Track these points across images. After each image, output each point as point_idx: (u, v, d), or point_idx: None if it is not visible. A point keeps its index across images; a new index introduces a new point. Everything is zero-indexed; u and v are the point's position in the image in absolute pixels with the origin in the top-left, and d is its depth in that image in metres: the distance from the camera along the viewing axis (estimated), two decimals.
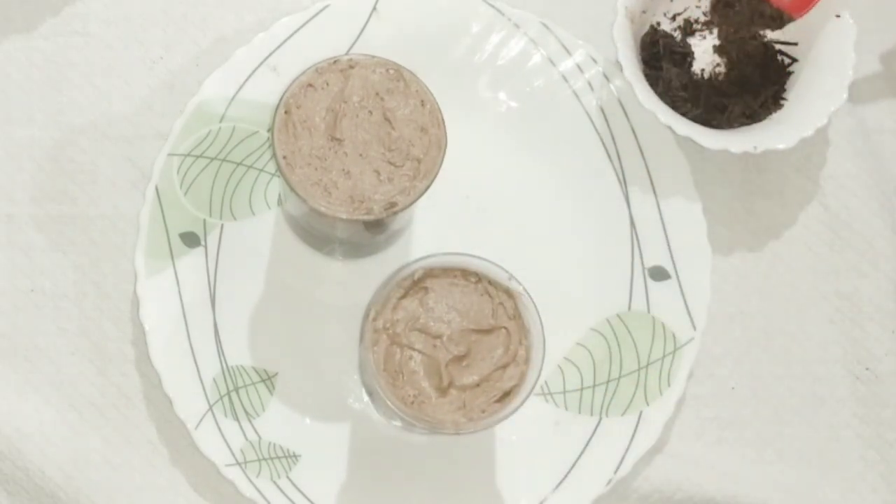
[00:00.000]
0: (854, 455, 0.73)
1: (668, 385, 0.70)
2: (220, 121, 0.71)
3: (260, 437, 0.68)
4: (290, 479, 0.68)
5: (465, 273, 0.65)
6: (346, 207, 0.62)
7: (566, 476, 0.69)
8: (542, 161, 0.75)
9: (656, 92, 0.73)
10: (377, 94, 0.64)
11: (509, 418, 0.63)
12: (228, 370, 0.69)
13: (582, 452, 0.69)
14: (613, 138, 0.74)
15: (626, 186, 0.74)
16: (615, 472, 0.69)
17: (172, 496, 0.69)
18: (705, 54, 0.76)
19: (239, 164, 0.72)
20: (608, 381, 0.71)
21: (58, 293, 0.71)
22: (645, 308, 0.72)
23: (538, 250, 0.73)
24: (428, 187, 0.63)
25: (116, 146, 0.73)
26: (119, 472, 0.69)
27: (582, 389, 0.71)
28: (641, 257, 0.73)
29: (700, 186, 0.73)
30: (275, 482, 0.67)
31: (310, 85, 0.64)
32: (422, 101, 0.64)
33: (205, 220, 0.71)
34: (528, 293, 0.64)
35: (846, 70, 0.72)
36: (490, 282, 0.65)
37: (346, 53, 0.65)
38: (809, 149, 0.76)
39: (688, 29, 0.77)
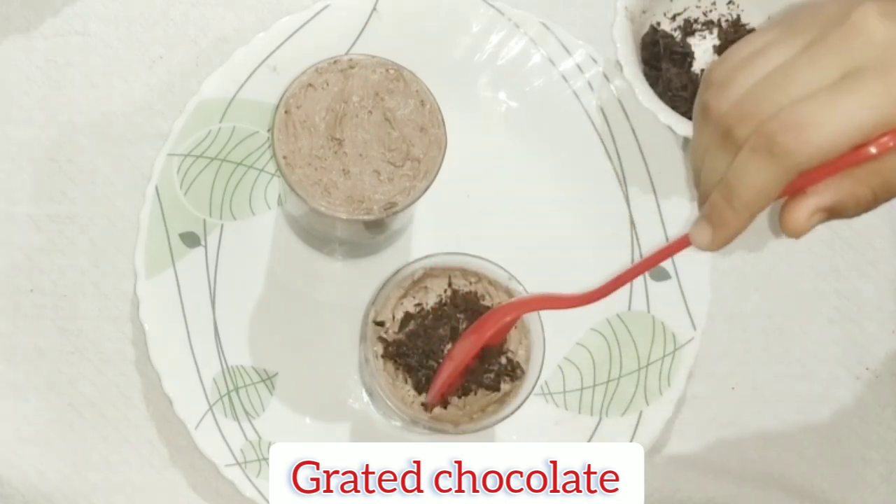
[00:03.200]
0: (854, 455, 0.73)
1: (668, 385, 0.70)
2: (220, 121, 0.71)
3: (260, 437, 0.68)
4: None
5: (465, 273, 0.65)
6: (346, 207, 0.62)
7: None
8: (542, 161, 0.75)
9: (656, 92, 0.73)
10: (377, 94, 0.64)
11: (509, 418, 0.63)
12: (228, 370, 0.69)
13: None
14: (613, 138, 0.74)
15: (626, 186, 0.74)
16: None
17: (172, 496, 0.69)
18: (705, 54, 0.76)
19: (239, 164, 0.72)
20: (608, 381, 0.71)
21: (57, 293, 0.71)
22: (645, 308, 0.72)
23: (538, 250, 0.73)
24: (428, 187, 0.63)
25: (116, 146, 0.73)
26: (118, 472, 0.69)
27: (582, 389, 0.71)
28: (641, 257, 0.73)
29: None
30: None
31: (310, 85, 0.64)
32: (422, 101, 0.64)
33: (205, 220, 0.71)
34: (528, 293, 0.64)
35: None
36: (490, 282, 0.65)
37: (346, 53, 0.65)
38: None
39: (688, 29, 0.77)
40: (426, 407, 0.62)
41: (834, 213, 0.49)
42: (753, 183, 0.47)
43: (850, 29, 0.47)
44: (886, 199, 0.49)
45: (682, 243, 0.53)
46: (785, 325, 0.75)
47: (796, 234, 0.49)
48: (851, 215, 0.49)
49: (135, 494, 0.69)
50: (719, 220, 0.50)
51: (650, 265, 0.56)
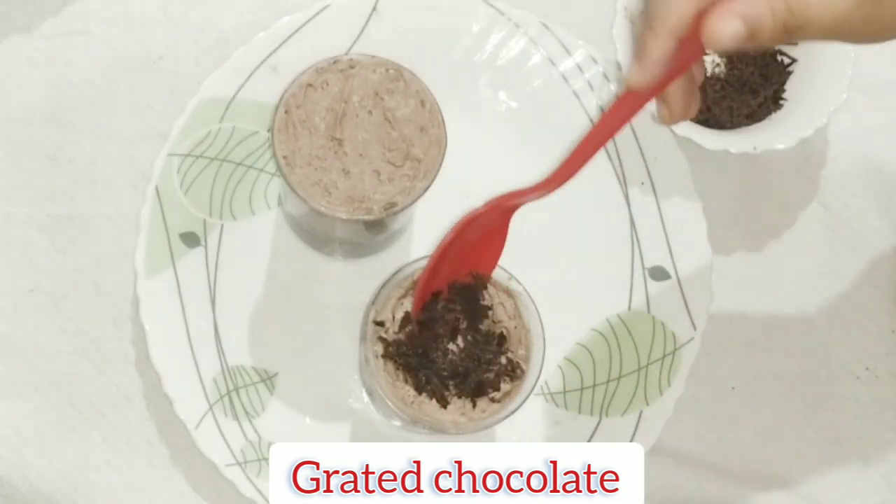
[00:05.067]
0: (854, 455, 0.73)
1: (668, 385, 0.70)
2: (220, 121, 0.71)
3: (260, 437, 0.68)
4: None
5: None
6: (346, 207, 0.62)
7: None
8: (542, 161, 0.74)
9: None
10: (377, 94, 0.64)
11: (509, 418, 0.63)
12: (228, 370, 0.69)
13: None
14: (613, 138, 0.74)
15: (626, 186, 0.74)
16: None
17: (172, 496, 0.69)
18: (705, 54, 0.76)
19: (239, 164, 0.72)
20: (608, 381, 0.71)
21: (58, 293, 0.71)
22: (645, 308, 0.72)
23: (538, 250, 0.73)
24: (428, 187, 0.63)
25: (116, 146, 0.73)
26: (119, 472, 0.69)
27: (582, 389, 0.71)
28: (641, 257, 0.73)
29: (700, 186, 0.73)
30: None
31: (310, 85, 0.64)
32: (422, 100, 0.64)
33: (205, 221, 0.71)
34: (528, 293, 0.64)
35: (846, 70, 0.72)
36: (490, 282, 0.65)
37: (347, 53, 0.65)
38: (809, 149, 0.76)
39: None
40: (408, 319, 0.62)
41: (750, 25, 0.49)
42: (667, 4, 0.51)
43: None
44: (799, 15, 0.49)
45: (625, 99, 0.55)
46: (785, 326, 0.75)
47: (714, 42, 0.50)
48: (768, 36, 0.50)
49: (135, 494, 0.69)
50: (642, 50, 0.52)
51: (606, 132, 0.57)
